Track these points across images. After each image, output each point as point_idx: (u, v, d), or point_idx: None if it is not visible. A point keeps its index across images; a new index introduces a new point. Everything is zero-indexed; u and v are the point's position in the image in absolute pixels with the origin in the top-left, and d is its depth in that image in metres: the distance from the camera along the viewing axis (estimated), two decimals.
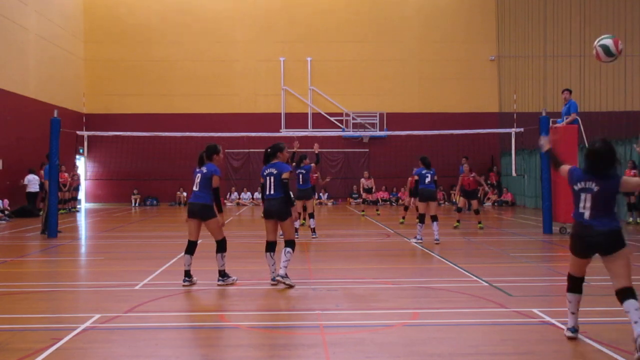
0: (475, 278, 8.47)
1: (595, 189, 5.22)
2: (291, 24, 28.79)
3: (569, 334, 5.52)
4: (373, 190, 25.00)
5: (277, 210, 7.96)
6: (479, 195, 16.59)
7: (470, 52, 28.89)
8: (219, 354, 5.19)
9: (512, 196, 26.44)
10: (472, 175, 16.17)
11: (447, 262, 10.02)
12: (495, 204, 26.62)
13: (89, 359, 5.10)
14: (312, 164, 13.95)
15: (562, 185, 13.94)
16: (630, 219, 16.66)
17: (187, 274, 8.05)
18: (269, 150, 8.25)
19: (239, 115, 28.27)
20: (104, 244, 13.51)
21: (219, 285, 7.96)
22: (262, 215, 8.34)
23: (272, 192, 8.02)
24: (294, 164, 13.03)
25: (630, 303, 5.01)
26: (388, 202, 27.54)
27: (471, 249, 12.09)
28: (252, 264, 9.74)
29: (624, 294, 5.07)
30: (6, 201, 20.00)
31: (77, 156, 25.62)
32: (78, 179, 24.10)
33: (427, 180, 12.52)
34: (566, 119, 14.07)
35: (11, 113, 21.38)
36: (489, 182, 27.80)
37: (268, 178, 8.08)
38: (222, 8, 28.77)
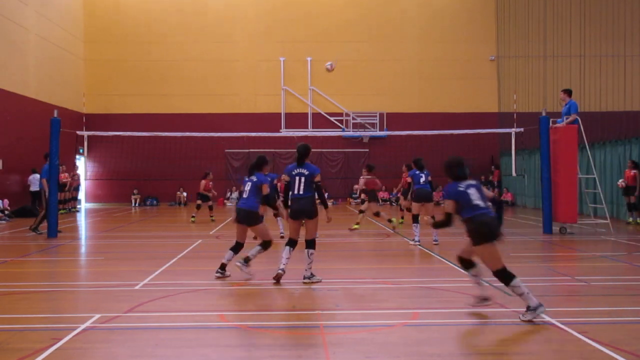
0: None
1: (476, 183, 6.39)
2: (291, 24, 28.78)
3: (487, 302, 6.43)
4: None
5: (308, 209, 8.13)
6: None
7: (470, 52, 28.89)
8: (219, 354, 5.19)
9: (512, 196, 26.45)
10: (367, 177, 14.77)
11: (447, 262, 10.01)
12: None
13: (88, 359, 5.10)
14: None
15: (562, 185, 13.95)
16: (630, 219, 16.61)
17: (223, 266, 8.50)
18: (302, 150, 8.31)
19: (239, 115, 28.28)
20: (104, 244, 13.50)
21: (236, 265, 8.40)
22: (274, 215, 8.38)
23: (300, 192, 8.17)
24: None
25: (517, 280, 6.06)
26: (388, 202, 27.53)
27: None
28: (252, 264, 9.72)
29: (507, 274, 6.10)
30: (6, 201, 19.99)
31: (77, 156, 25.62)
32: (78, 179, 24.09)
33: (422, 180, 12.38)
34: (566, 119, 14.07)
35: (11, 113, 21.37)
36: (490, 179, 27.79)
37: (297, 178, 8.19)
38: (222, 8, 28.77)
